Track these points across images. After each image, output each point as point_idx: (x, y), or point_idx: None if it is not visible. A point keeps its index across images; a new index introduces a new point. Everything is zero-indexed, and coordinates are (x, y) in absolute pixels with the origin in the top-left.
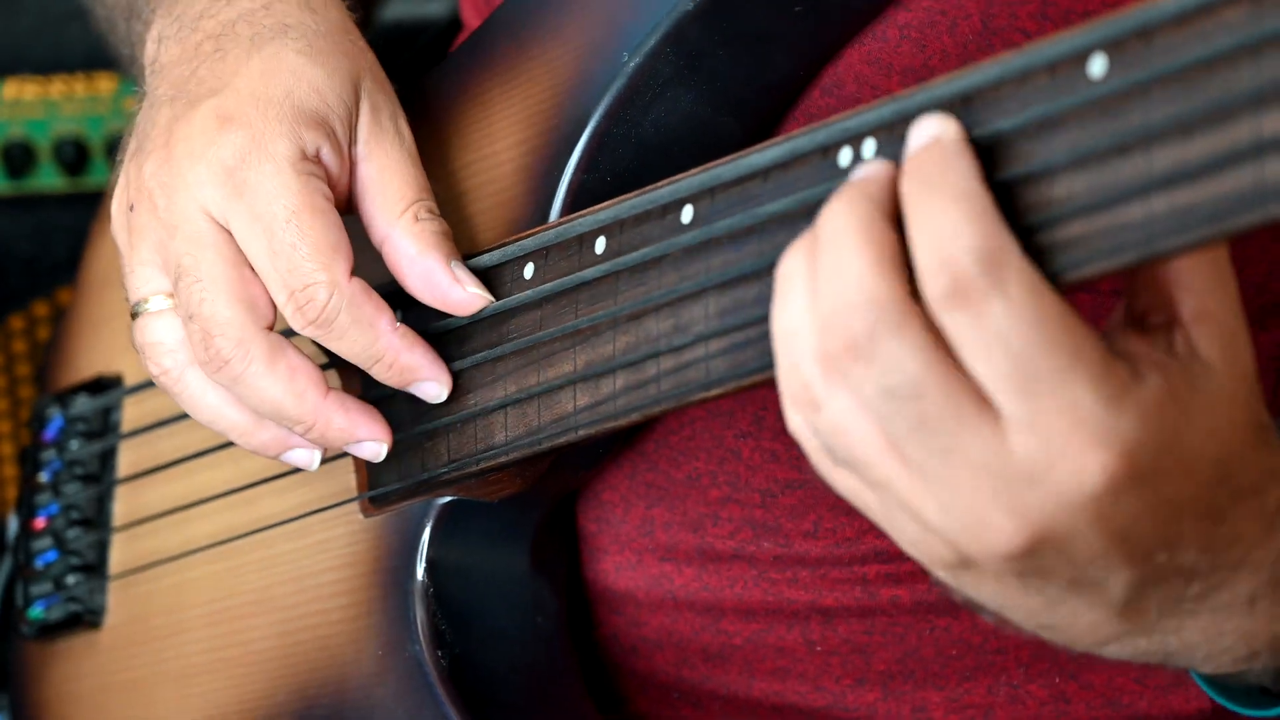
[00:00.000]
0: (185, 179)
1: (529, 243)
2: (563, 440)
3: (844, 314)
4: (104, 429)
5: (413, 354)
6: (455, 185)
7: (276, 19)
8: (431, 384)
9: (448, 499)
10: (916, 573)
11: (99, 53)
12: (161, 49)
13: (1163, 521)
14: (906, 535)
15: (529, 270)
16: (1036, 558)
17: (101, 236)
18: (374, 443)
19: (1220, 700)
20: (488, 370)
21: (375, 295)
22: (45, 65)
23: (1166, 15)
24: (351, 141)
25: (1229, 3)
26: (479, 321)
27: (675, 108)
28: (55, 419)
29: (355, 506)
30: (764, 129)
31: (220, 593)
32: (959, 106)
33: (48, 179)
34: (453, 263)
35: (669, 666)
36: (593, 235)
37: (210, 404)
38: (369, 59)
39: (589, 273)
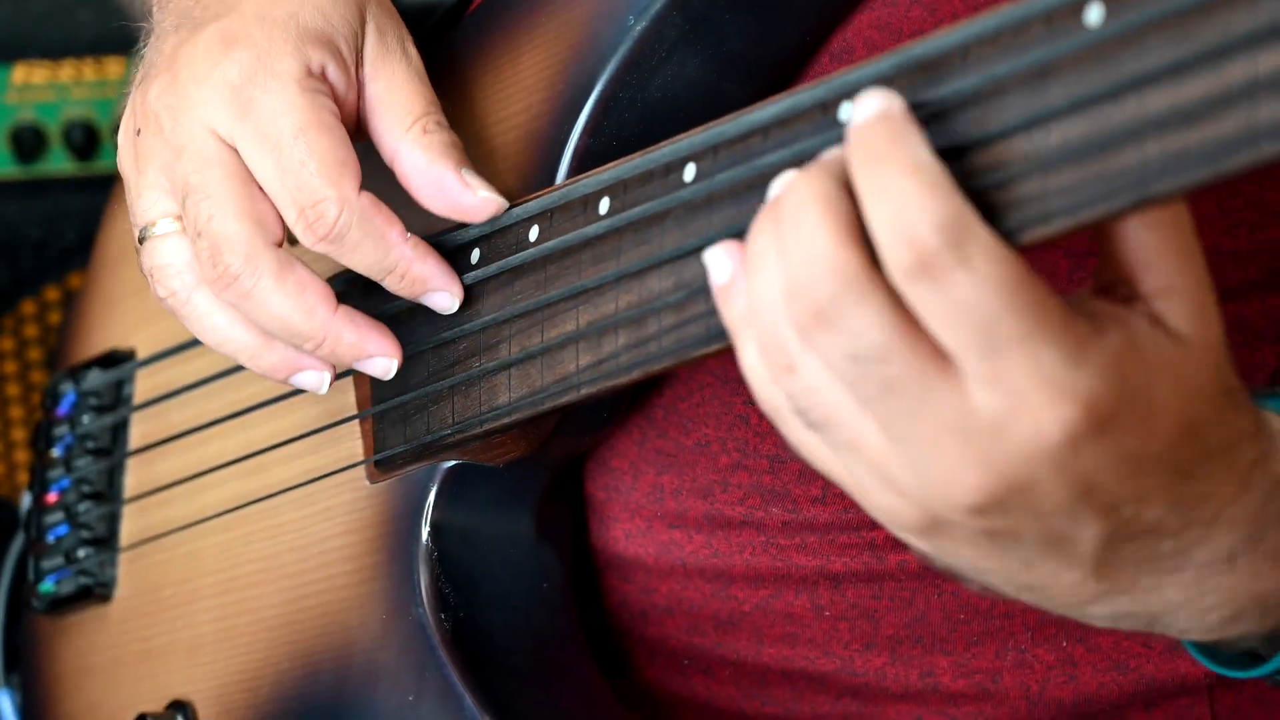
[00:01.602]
0: (191, 99)
1: (533, 205)
2: (565, 400)
3: (809, 285)
4: (116, 402)
5: (425, 264)
6: (467, 151)
7: None
8: (443, 294)
9: (453, 463)
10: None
11: (108, 36)
12: None
13: (1127, 475)
14: (876, 500)
15: (534, 232)
16: (1003, 511)
17: (115, 216)
18: (384, 358)
19: (1213, 666)
20: (492, 332)
21: (385, 208)
22: (54, 49)
23: None
24: (358, 64)
25: None
26: (484, 283)
27: (681, 73)
28: (68, 394)
29: (361, 473)
30: (771, 95)
31: (229, 562)
32: (957, 60)
33: (58, 163)
34: (463, 170)
35: (679, 633)
36: (597, 196)
37: (218, 325)
38: None
39: (592, 229)
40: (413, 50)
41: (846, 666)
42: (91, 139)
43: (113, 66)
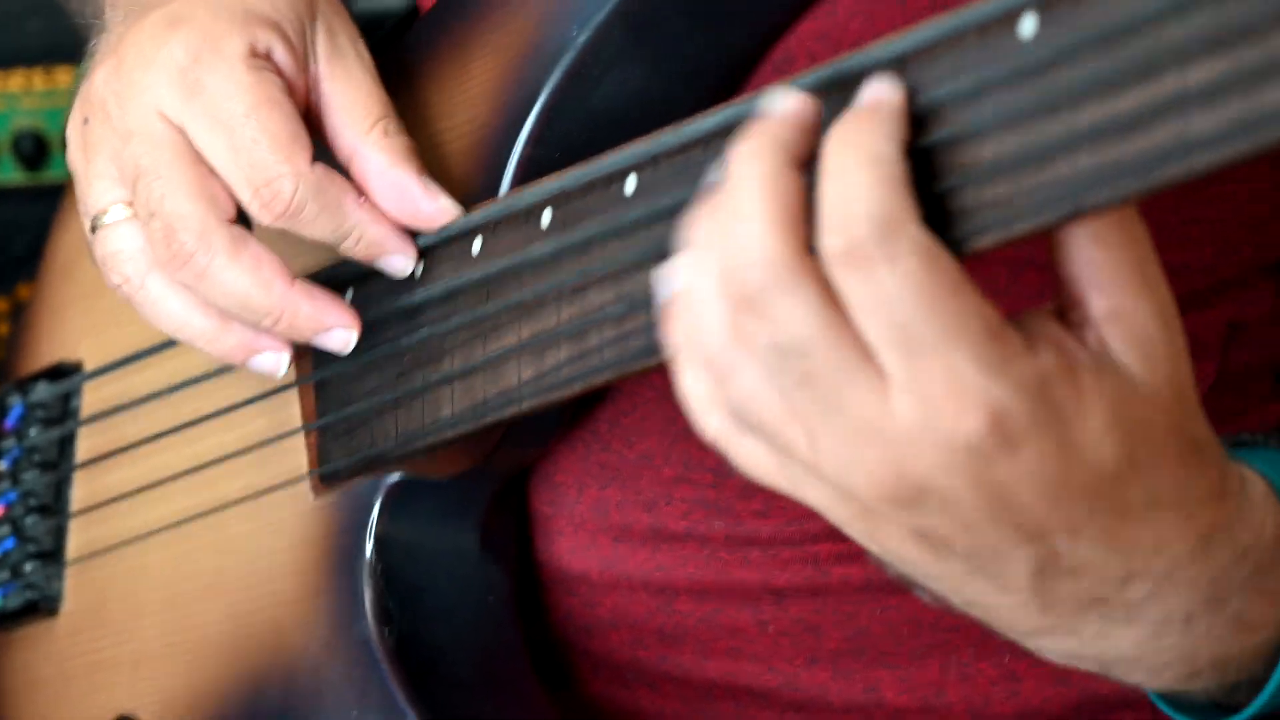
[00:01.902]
0: (138, 84)
1: (476, 217)
2: (508, 412)
3: (739, 271)
4: (63, 415)
5: (379, 226)
6: None
7: None
8: (398, 256)
9: (397, 476)
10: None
11: (58, 46)
12: None
13: (1049, 501)
14: (813, 497)
15: (477, 244)
16: (921, 510)
17: (64, 225)
18: (343, 330)
19: (1175, 715)
20: (435, 344)
21: (338, 176)
22: (3, 59)
23: None
24: (310, 58)
25: None
26: (427, 296)
27: (625, 83)
28: (16, 407)
29: (306, 487)
30: (714, 105)
31: (175, 576)
32: (894, 70)
33: (6, 173)
34: (423, 175)
35: (623, 647)
36: (539, 208)
37: (174, 309)
38: None
39: (535, 245)
40: (365, 52)
41: (790, 681)
42: (41, 149)
43: (62, 76)
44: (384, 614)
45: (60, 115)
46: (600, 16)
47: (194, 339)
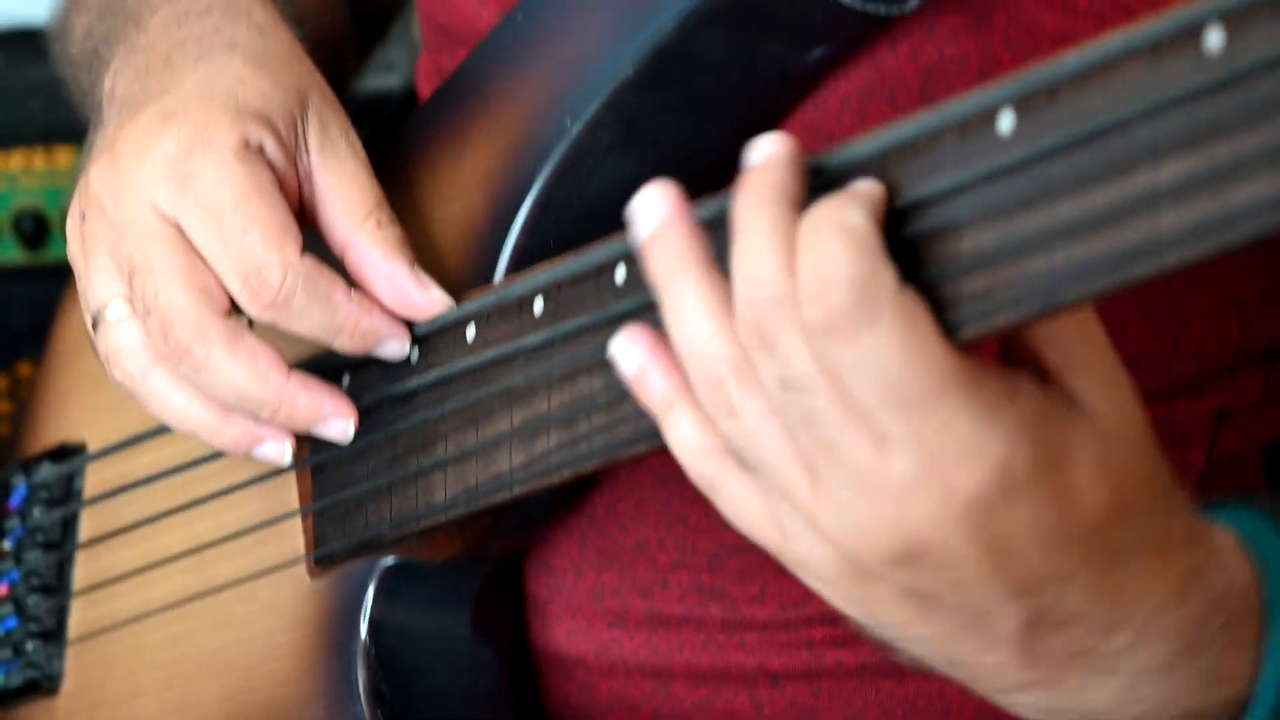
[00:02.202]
0: (131, 178)
1: (471, 306)
2: (499, 498)
3: (753, 307)
4: (66, 496)
5: (372, 317)
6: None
7: (225, 38)
8: (394, 341)
9: (391, 560)
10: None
11: (58, 126)
12: (117, 79)
13: (1045, 550)
14: (802, 551)
15: (470, 332)
16: (918, 568)
17: (68, 309)
18: (340, 419)
19: None
20: (430, 430)
21: (327, 268)
22: (4, 139)
23: (1069, 72)
24: (301, 150)
25: (1129, 58)
26: (422, 383)
27: (618, 174)
28: (19, 487)
29: (303, 569)
30: (704, 196)
31: (173, 656)
32: (875, 164)
33: (7, 252)
34: (415, 268)
35: None
36: (531, 297)
37: (177, 404)
38: (317, 78)
39: (527, 334)
40: (357, 142)
41: None
42: (41, 228)
43: (63, 156)
44: (377, 696)
45: (61, 195)
46: (593, 109)
47: (197, 431)
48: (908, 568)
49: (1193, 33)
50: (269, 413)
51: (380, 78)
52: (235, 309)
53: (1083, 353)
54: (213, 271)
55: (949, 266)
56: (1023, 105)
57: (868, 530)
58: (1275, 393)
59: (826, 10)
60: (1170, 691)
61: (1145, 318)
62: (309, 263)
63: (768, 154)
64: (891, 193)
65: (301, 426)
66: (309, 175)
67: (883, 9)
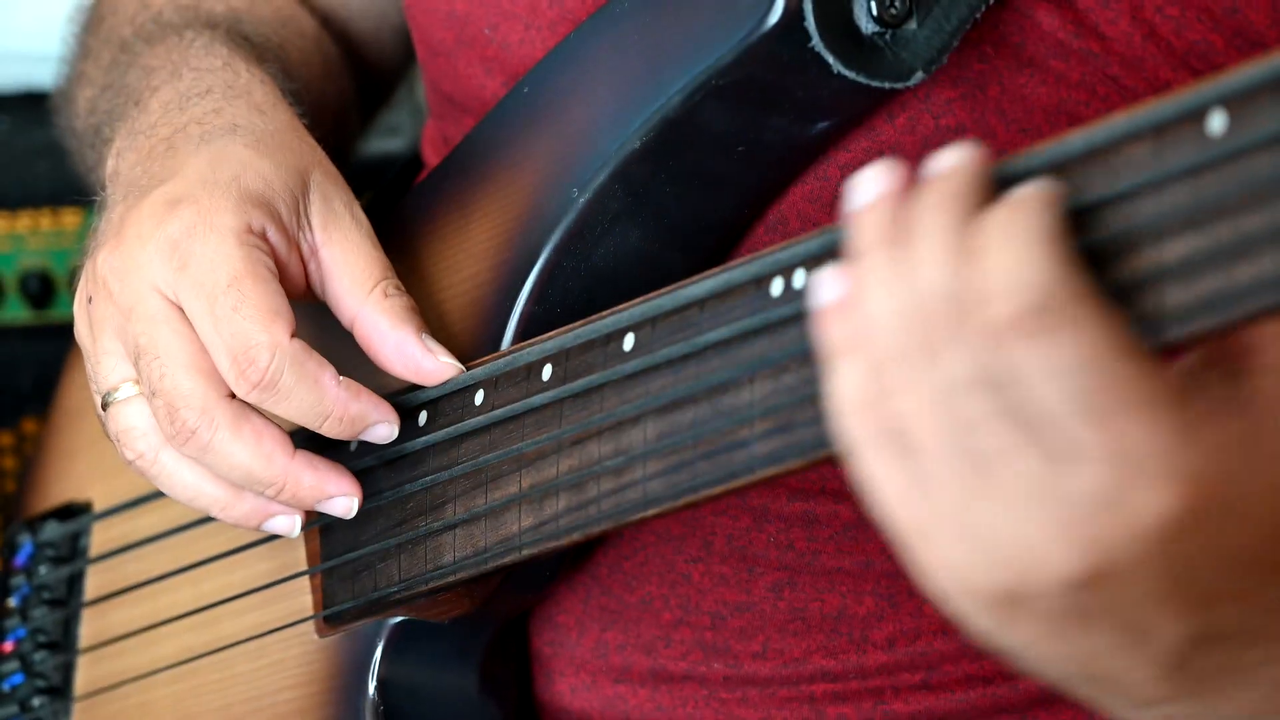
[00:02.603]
0: (136, 260)
1: (480, 371)
2: (507, 560)
3: (928, 307)
4: (72, 554)
5: (359, 402)
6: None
7: (226, 120)
8: (382, 425)
9: (399, 619)
10: (861, 691)
11: (65, 188)
12: (120, 161)
13: (1230, 569)
14: (945, 555)
15: (479, 397)
16: (1094, 590)
17: (74, 368)
18: (345, 498)
19: None
20: (438, 492)
21: (315, 353)
22: (12, 200)
23: (1078, 152)
24: (304, 229)
25: (1132, 140)
26: (431, 446)
27: (623, 243)
28: (25, 545)
29: (310, 627)
30: (710, 265)
31: (180, 714)
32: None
33: (13, 311)
34: (423, 335)
35: None
36: (540, 364)
37: (187, 482)
38: (318, 155)
39: (536, 399)
40: (360, 214)
41: None
42: (47, 288)
43: (69, 217)
44: None
45: (67, 255)
46: (600, 180)
47: (208, 508)
48: (1085, 590)
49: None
50: (273, 491)
51: (384, 141)
52: None
53: (1275, 353)
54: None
55: (1143, 272)
56: (1236, 104)
57: (1037, 548)
58: None
59: (830, 85)
60: None
61: None
62: (298, 346)
63: (951, 163)
64: (1079, 193)
65: (306, 505)
66: (314, 252)
67: (887, 84)
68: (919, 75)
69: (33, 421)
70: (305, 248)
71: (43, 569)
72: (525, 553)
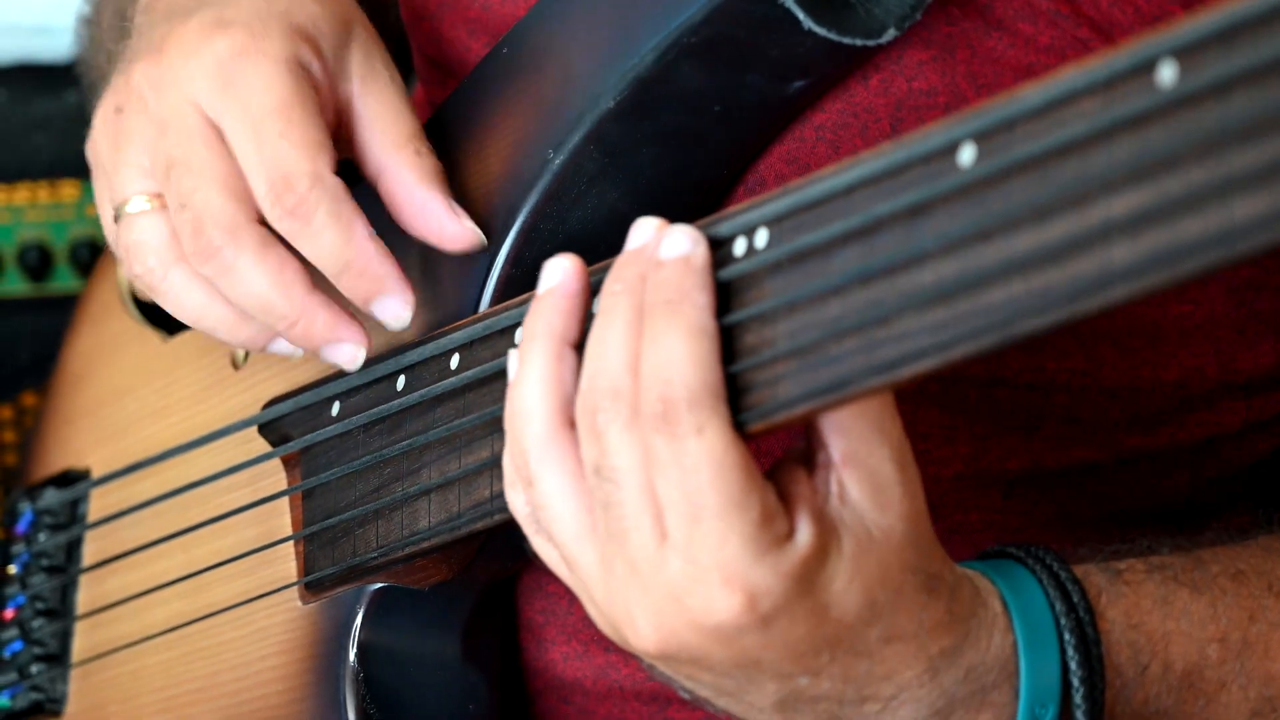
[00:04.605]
0: (177, 74)
1: (457, 335)
2: (481, 525)
3: (595, 395)
4: (71, 521)
5: (384, 264)
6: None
7: None
8: (397, 299)
9: (379, 585)
10: None
11: (63, 161)
12: None
13: (796, 656)
14: (589, 611)
15: (455, 361)
16: (675, 662)
17: (75, 336)
18: (353, 344)
19: None
20: (414, 457)
21: (353, 199)
22: (9, 174)
23: (1029, 107)
24: (344, 76)
25: (1085, 95)
26: (408, 409)
27: (600, 204)
28: (25, 513)
29: (295, 594)
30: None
31: (170, 680)
32: (841, 195)
33: (12, 284)
34: (450, 196)
35: None
36: (513, 327)
37: (196, 301)
38: (360, 13)
39: (507, 360)
40: (398, 76)
41: None
42: (45, 260)
43: (67, 190)
44: (366, 719)
45: (65, 228)
46: (575, 141)
47: (213, 329)
48: (666, 661)
49: (1146, 67)
50: (285, 325)
51: None
52: None
53: (865, 450)
54: (245, 176)
55: (912, 297)
56: (984, 138)
57: (630, 621)
58: (1256, 422)
59: (803, 42)
60: None
61: (1122, 350)
62: (338, 182)
63: (646, 238)
64: (861, 225)
65: (315, 344)
66: (349, 102)
67: (859, 40)
68: (891, 32)
69: (32, 394)
70: (342, 94)
71: (42, 536)
72: (498, 517)
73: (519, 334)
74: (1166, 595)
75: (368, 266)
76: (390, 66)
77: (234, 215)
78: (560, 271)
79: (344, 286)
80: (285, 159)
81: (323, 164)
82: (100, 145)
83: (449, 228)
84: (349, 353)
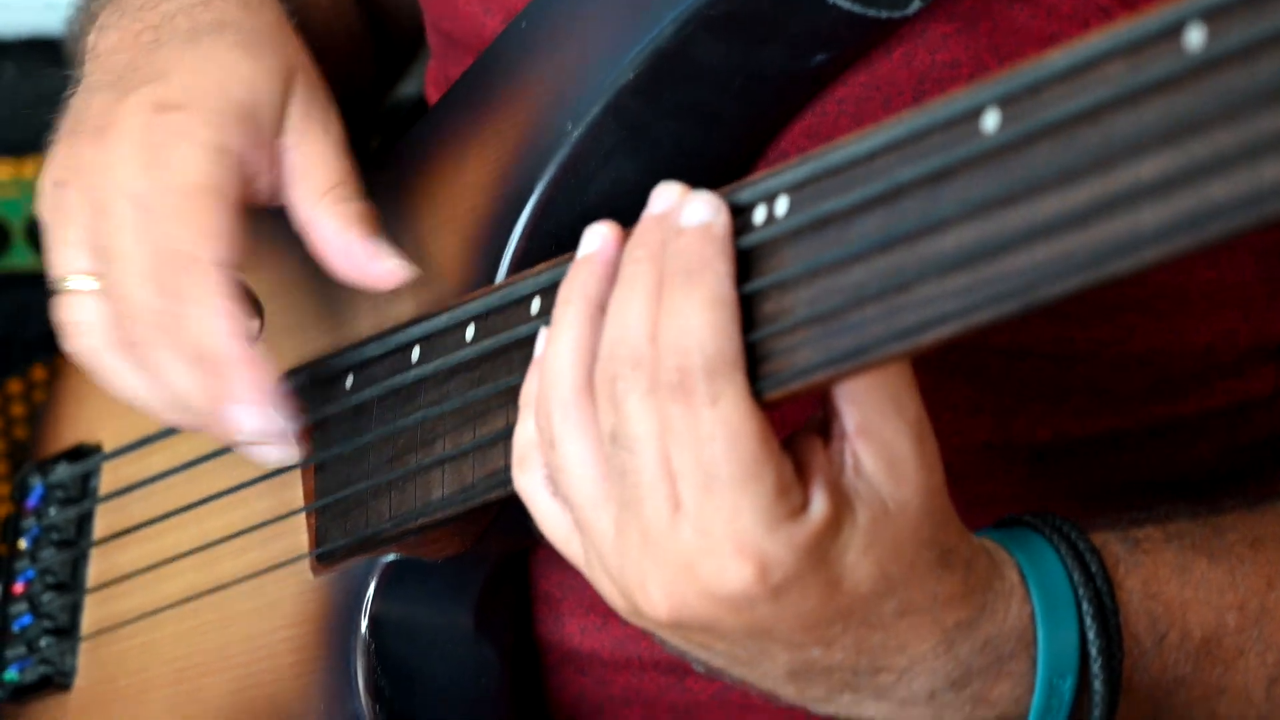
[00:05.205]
0: (110, 159)
1: (472, 306)
2: (494, 495)
3: (614, 363)
4: (82, 494)
5: (242, 369)
6: (413, 252)
7: (214, 15)
8: (250, 411)
9: (392, 557)
10: None
11: (26, 140)
12: (100, 37)
13: (808, 626)
14: (597, 580)
15: (470, 331)
16: (687, 631)
17: None
18: (279, 450)
19: None
20: (429, 428)
21: (233, 297)
22: (18, 147)
23: (1054, 72)
24: (279, 132)
25: (1112, 59)
26: (423, 380)
27: (619, 178)
28: (37, 487)
29: (306, 566)
30: None
31: (182, 652)
32: (863, 161)
33: (21, 258)
34: (371, 238)
35: None
36: (529, 297)
37: (129, 384)
38: (302, 58)
39: (523, 329)
40: (334, 122)
41: None
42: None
43: (30, 168)
44: (376, 691)
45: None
46: (593, 113)
47: (152, 413)
48: (677, 630)
49: (1174, 30)
50: (200, 423)
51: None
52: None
53: (879, 421)
54: None
55: (932, 263)
56: (1008, 103)
57: (643, 590)
58: None
59: (826, 16)
60: (937, 711)
61: (1150, 317)
62: (220, 274)
63: (670, 203)
64: (882, 191)
65: (228, 443)
66: (281, 155)
67: (883, 13)
68: (915, 4)
69: (42, 368)
70: (276, 150)
71: (53, 510)
72: (511, 488)
73: (535, 304)
74: (1184, 563)
75: (219, 365)
76: (328, 112)
77: (157, 310)
78: (599, 238)
79: (198, 381)
80: (173, 238)
81: (207, 251)
82: (44, 215)
83: (372, 269)
84: (275, 455)
